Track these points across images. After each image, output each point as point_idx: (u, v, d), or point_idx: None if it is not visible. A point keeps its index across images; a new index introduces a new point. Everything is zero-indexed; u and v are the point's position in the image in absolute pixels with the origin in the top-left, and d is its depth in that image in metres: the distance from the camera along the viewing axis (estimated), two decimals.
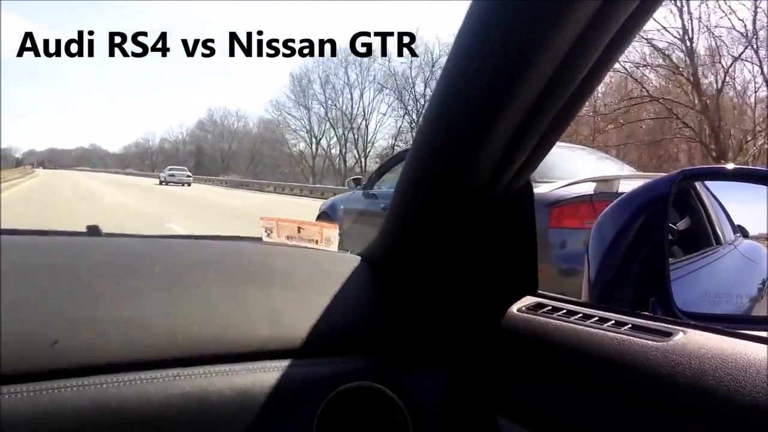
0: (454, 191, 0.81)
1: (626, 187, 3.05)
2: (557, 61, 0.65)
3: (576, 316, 0.75)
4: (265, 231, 1.06)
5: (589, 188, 3.36)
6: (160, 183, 39.89)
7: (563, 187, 3.43)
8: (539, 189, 3.23)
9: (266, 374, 0.73)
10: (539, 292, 0.86)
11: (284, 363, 0.75)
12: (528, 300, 0.84)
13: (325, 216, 6.24)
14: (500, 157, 0.75)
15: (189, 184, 39.11)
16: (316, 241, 1.03)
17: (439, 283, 0.90)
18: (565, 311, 0.78)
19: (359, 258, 0.97)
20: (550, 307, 0.80)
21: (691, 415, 0.58)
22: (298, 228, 1.04)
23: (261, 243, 1.05)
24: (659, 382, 0.61)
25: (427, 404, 0.81)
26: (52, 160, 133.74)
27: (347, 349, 0.81)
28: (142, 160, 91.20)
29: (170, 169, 44.15)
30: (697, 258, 1.04)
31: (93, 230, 0.98)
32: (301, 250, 1.01)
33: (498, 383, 0.79)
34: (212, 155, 74.12)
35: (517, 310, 0.81)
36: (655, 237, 0.90)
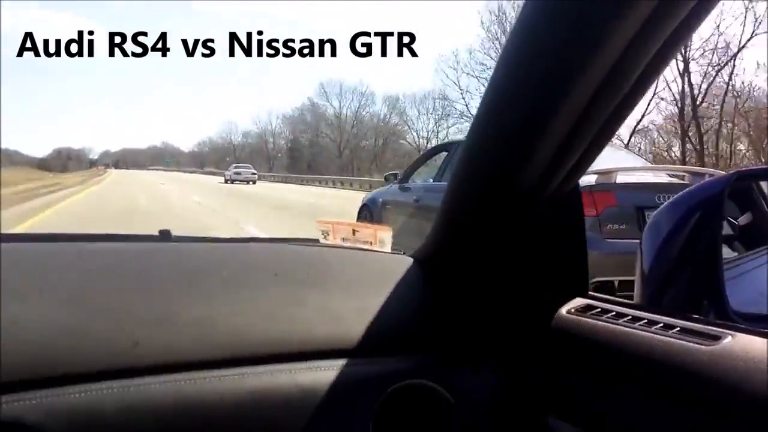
0: (504, 193, 0.82)
1: (624, 178, 3.63)
2: (610, 63, 0.65)
3: (625, 319, 0.75)
4: (322, 234, 1.10)
5: (591, 179, 3.64)
6: (225, 181, 39.38)
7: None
8: None
9: (327, 372, 0.76)
10: (589, 293, 0.87)
11: (343, 362, 0.78)
12: (578, 302, 0.84)
13: (365, 208, 6.70)
14: (551, 159, 0.76)
15: (254, 182, 38.55)
16: (371, 243, 1.07)
17: (489, 284, 0.92)
18: (614, 313, 0.78)
19: (411, 259, 1.00)
20: (599, 309, 0.80)
21: (736, 420, 0.58)
22: (353, 230, 1.07)
23: (318, 245, 1.10)
24: (705, 385, 0.61)
25: (478, 403, 0.84)
26: (126, 160, 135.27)
27: (402, 348, 0.84)
28: (222, 157, 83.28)
29: (236, 167, 43.73)
30: (756, 255, 1.01)
31: (164, 235, 1.05)
32: (356, 251, 1.05)
33: (548, 384, 0.81)
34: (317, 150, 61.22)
35: (567, 312, 0.82)
36: (708, 238, 0.88)
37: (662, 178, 4.40)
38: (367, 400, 0.78)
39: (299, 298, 0.84)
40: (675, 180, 4.34)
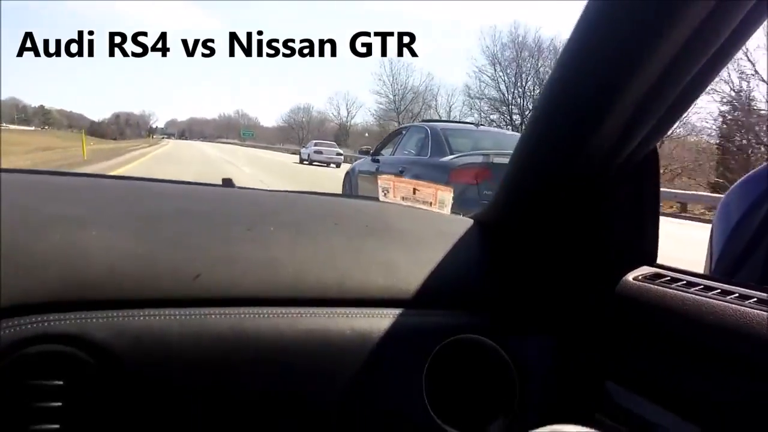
0: (571, 160, 0.79)
1: (498, 159, 4.90)
2: (687, 33, 0.62)
3: (697, 288, 0.72)
4: (382, 191, 1.10)
5: (477, 159, 5.23)
6: (301, 161, 31.90)
7: (459, 157, 5.49)
8: (444, 159, 5.62)
9: (382, 320, 0.77)
10: (657, 263, 0.83)
11: (399, 311, 0.78)
12: (645, 270, 0.81)
13: (347, 175, 8.18)
14: (623, 128, 0.73)
15: (338, 165, 29.17)
16: (430, 203, 1.05)
17: (551, 249, 0.89)
18: (684, 282, 0.75)
19: (472, 221, 0.98)
20: (668, 278, 0.77)
21: None
22: (414, 189, 1.06)
23: (378, 202, 1.10)
24: None
25: (533, 366, 0.82)
26: (192, 129, 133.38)
27: (457, 304, 0.83)
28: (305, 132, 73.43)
29: (316, 144, 33.57)
30: None
31: (227, 183, 1.07)
32: (415, 210, 1.04)
33: (609, 350, 0.78)
34: None
35: (633, 279, 0.79)
36: None
37: None
38: (421, 350, 0.77)
39: (357, 247, 0.84)
40: None
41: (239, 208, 0.90)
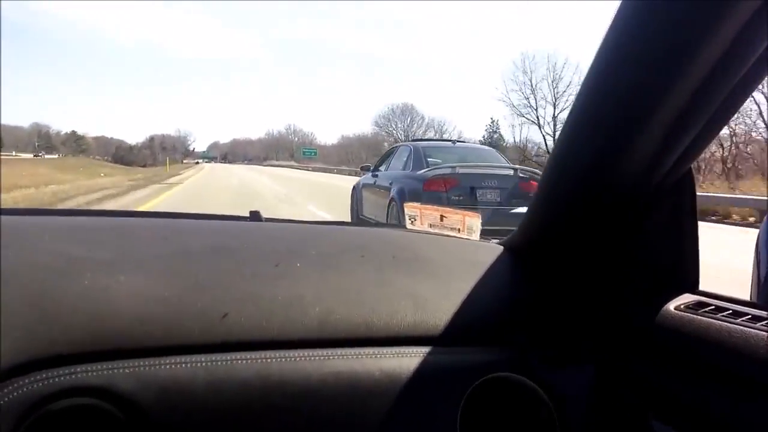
0: (604, 183, 0.77)
1: (462, 170, 6.48)
2: (722, 48, 0.60)
3: (744, 318, 0.69)
4: (409, 219, 1.07)
5: (446, 171, 6.63)
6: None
7: (432, 170, 6.78)
8: (420, 171, 6.81)
9: (412, 359, 0.74)
10: (700, 290, 0.80)
11: (429, 349, 0.75)
12: (687, 298, 0.78)
13: (354, 189, 9.33)
14: (657, 148, 0.71)
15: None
16: (458, 230, 1.03)
17: (586, 277, 0.86)
18: (730, 311, 0.72)
19: (501, 247, 0.95)
20: (713, 307, 0.74)
21: None
22: (441, 216, 1.04)
23: (405, 230, 1.07)
24: None
25: (572, 399, 0.79)
26: (235, 151, 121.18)
27: (490, 339, 0.80)
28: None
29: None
30: None
31: (254, 215, 1.04)
32: (444, 237, 1.01)
33: (651, 384, 0.75)
34: None
35: (675, 308, 0.76)
36: None
37: (490, 170, 6.87)
38: (454, 391, 0.74)
39: (385, 281, 0.81)
40: (499, 171, 6.87)
41: (266, 244, 0.88)
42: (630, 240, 0.83)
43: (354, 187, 9.35)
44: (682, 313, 0.75)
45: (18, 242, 0.76)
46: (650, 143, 0.71)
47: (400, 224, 1.11)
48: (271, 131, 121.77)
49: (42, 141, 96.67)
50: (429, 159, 7.27)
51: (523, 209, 6.26)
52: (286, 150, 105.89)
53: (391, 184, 7.25)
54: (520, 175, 6.88)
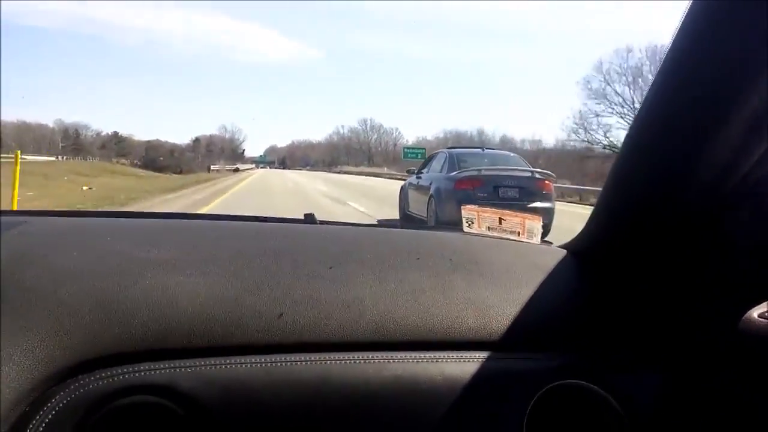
0: (677, 185, 0.72)
1: (486, 171, 8.27)
2: None
3: None
4: (466, 222, 1.04)
5: (474, 173, 8.26)
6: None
7: (461, 172, 8.33)
8: (452, 173, 8.37)
9: (474, 364, 0.71)
10: None
11: (492, 354, 0.72)
12: None
13: (402, 189, 10.76)
14: (734, 149, 0.66)
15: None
16: (518, 233, 0.99)
17: (656, 281, 0.81)
18: None
19: (564, 251, 0.92)
20: None
21: None
22: (500, 219, 1.00)
23: (462, 233, 1.04)
24: None
25: (643, 407, 0.74)
26: (294, 155, 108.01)
27: (556, 344, 0.77)
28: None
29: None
30: None
31: (309, 218, 1.03)
32: (503, 241, 0.98)
33: (730, 391, 0.70)
34: None
35: (759, 316, 0.71)
36: None
37: (510, 171, 8.51)
38: (519, 398, 0.71)
39: (443, 284, 0.79)
40: (518, 173, 8.51)
41: (322, 245, 0.86)
42: (705, 244, 0.78)
43: (402, 187, 10.94)
44: (767, 320, 0.70)
45: (83, 243, 0.78)
46: (727, 144, 0.66)
47: (456, 228, 1.07)
48: (340, 129, 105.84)
49: (69, 141, 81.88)
50: (461, 163, 8.78)
51: (538, 203, 7.74)
52: (359, 152, 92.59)
53: (430, 184, 8.87)
54: (537, 176, 8.50)
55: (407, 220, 9.84)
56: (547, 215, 7.40)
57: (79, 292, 0.67)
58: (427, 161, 10.34)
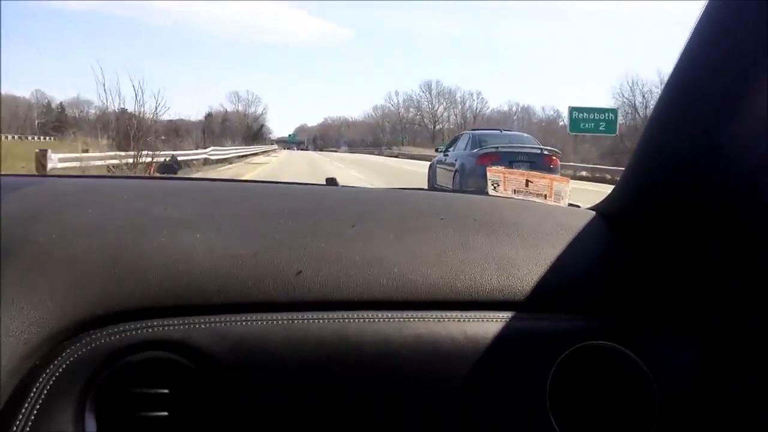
0: (712, 145, 0.69)
1: (503, 148, 10.08)
2: None
3: None
4: (492, 184, 1.02)
5: (492, 150, 9.90)
6: None
7: (482, 149, 10.04)
8: (475, 150, 10.21)
9: (498, 324, 0.69)
10: None
11: (516, 315, 0.70)
12: None
13: (430, 167, 12.67)
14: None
15: None
16: (545, 196, 0.96)
17: (690, 244, 0.78)
18: None
19: (593, 213, 0.89)
20: None
21: None
22: (527, 181, 0.98)
23: (488, 195, 1.02)
24: None
25: (674, 371, 0.72)
26: (328, 135, 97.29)
27: (583, 306, 0.74)
28: None
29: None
30: None
31: (331, 182, 1.02)
32: (529, 202, 0.96)
33: (761, 362, 0.68)
34: None
35: None
36: None
37: (523, 149, 10.42)
38: (543, 359, 0.69)
39: (467, 244, 0.76)
40: (530, 150, 10.43)
41: (343, 206, 0.85)
42: (740, 210, 0.74)
43: (430, 165, 12.82)
44: None
45: (97, 201, 0.78)
46: (762, 106, 0.62)
47: (482, 191, 1.05)
48: (393, 97, 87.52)
49: (50, 117, 66.57)
50: (482, 142, 10.50)
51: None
52: (419, 129, 77.24)
53: (456, 160, 10.63)
54: (545, 152, 10.44)
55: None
56: None
57: (92, 247, 0.66)
58: (453, 141, 12.08)
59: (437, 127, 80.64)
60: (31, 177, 0.94)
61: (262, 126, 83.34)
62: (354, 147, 77.28)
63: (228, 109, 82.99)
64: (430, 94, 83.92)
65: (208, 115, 75.23)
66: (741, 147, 0.68)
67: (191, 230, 0.71)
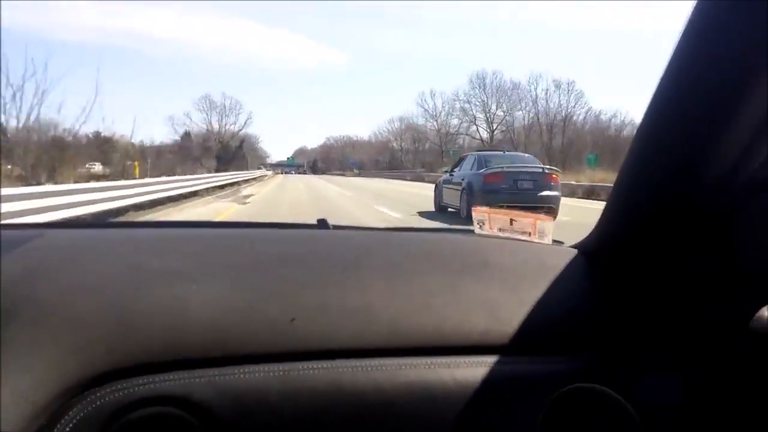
0: (687, 180, 0.70)
1: (507, 168, 10.88)
2: None
3: None
4: (477, 223, 1.04)
5: (498, 169, 10.76)
6: None
7: (488, 169, 10.82)
8: (481, 170, 11.02)
9: (486, 369, 0.70)
10: None
11: (503, 359, 0.72)
12: None
13: (436, 186, 13.40)
14: (748, 141, 0.64)
15: None
16: (529, 234, 0.99)
17: (670, 280, 0.80)
18: None
19: (575, 251, 0.90)
20: None
21: None
22: (511, 220, 1.00)
23: (473, 235, 1.04)
24: None
25: (659, 411, 0.73)
26: (330, 157, 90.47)
27: (568, 347, 0.76)
28: None
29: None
30: None
31: (322, 224, 1.05)
32: (514, 242, 0.98)
33: (747, 392, 0.69)
34: None
35: None
36: None
37: (526, 168, 11.04)
38: (532, 402, 0.70)
39: (455, 287, 0.78)
40: (532, 169, 11.00)
41: (334, 251, 0.87)
42: (717, 242, 0.76)
43: (436, 184, 13.53)
44: None
45: (94, 256, 0.79)
46: (738, 140, 0.65)
47: (467, 229, 1.07)
48: (426, 99, 70.45)
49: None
50: (487, 162, 11.21)
51: (547, 192, 10.70)
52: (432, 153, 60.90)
53: (462, 179, 11.31)
54: (546, 171, 11.02)
55: (441, 210, 12.51)
56: (555, 201, 10.41)
57: (93, 305, 0.67)
58: (458, 162, 12.97)
59: (496, 133, 58.63)
60: (28, 229, 0.95)
61: (243, 142, 64.45)
62: (364, 170, 67.39)
63: (194, 119, 65.16)
64: (483, 90, 59.80)
65: (186, 135, 60.03)
66: (715, 185, 0.69)
67: (187, 281, 0.72)
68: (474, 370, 0.70)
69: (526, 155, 13.45)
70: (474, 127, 62.44)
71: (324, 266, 0.80)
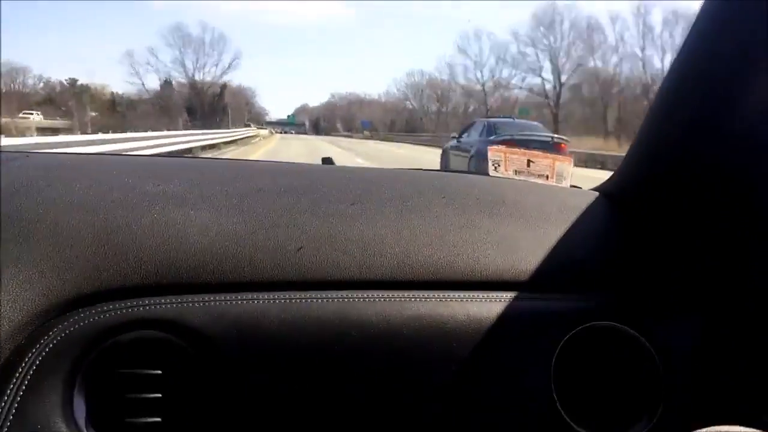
0: (716, 126, 0.67)
1: (517, 136, 10.25)
2: None
3: None
4: (492, 164, 0.99)
5: (507, 137, 10.00)
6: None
7: (497, 137, 10.20)
8: (490, 137, 10.47)
9: (501, 304, 0.67)
10: None
11: (519, 295, 0.69)
12: None
13: (444, 152, 13.01)
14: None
15: None
16: (547, 177, 0.94)
17: (693, 223, 0.76)
18: None
19: (597, 193, 0.87)
20: None
21: None
22: (528, 161, 0.95)
23: (488, 176, 0.99)
24: None
25: (678, 350, 0.70)
26: (333, 115, 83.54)
27: (587, 286, 0.72)
28: None
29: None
30: None
31: (327, 161, 1.01)
32: (531, 183, 0.93)
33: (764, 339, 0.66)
34: None
35: None
36: None
37: (534, 137, 10.58)
38: (547, 340, 0.68)
39: (469, 223, 0.75)
40: (540, 138, 10.64)
41: (342, 184, 0.83)
42: (741, 189, 0.72)
43: (443, 150, 13.29)
44: None
45: (86, 176, 0.75)
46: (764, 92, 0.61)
47: (482, 172, 1.03)
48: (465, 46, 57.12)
49: None
50: (497, 129, 11.20)
51: None
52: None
53: (471, 146, 11.09)
54: (555, 140, 10.85)
55: None
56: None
57: (81, 223, 0.64)
58: (466, 128, 12.98)
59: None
60: (13, 152, 0.91)
61: (224, 89, 50.26)
62: (376, 132, 60.58)
63: (160, 57, 51.40)
64: (545, 27, 46.30)
65: (166, 83, 49.35)
66: (745, 127, 0.66)
67: (185, 207, 0.69)
68: (488, 305, 0.67)
69: (535, 123, 13.56)
70: (538, 79, 49.17)
71: (331, 198, 0.76)
